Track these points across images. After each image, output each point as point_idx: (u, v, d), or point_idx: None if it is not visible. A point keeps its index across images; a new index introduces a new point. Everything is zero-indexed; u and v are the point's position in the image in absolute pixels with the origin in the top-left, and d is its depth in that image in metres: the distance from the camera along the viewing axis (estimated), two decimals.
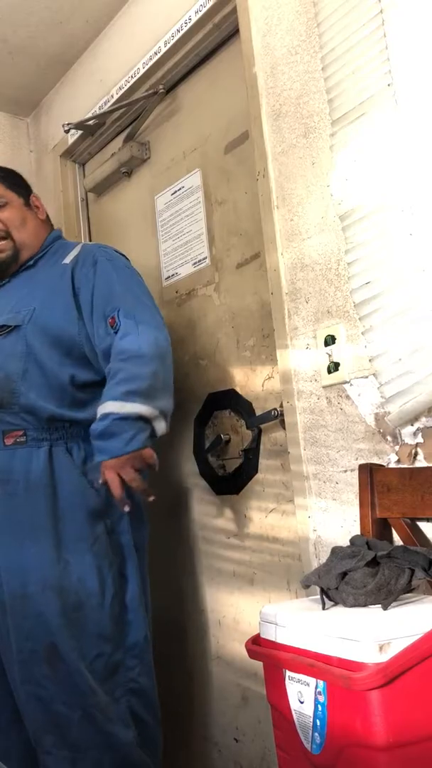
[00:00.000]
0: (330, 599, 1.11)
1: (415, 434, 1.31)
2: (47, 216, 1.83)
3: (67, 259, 1.70)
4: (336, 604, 1.11)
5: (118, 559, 1.57)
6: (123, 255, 1.76)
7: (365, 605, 1.07)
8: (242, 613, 1.79)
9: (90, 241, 2.49)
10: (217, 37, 1.95)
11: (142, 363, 1.50)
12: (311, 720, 1.02)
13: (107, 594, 1.52)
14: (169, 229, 2.13)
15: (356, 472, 1.38)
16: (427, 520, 1.28)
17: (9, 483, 1.56)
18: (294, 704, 1.06)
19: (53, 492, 1.54)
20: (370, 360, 1.36)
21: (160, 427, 1.50)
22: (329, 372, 1.47)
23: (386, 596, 1.06)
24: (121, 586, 1.56)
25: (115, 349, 1.53)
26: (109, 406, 1.47)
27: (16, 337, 1.60)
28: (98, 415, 1.49)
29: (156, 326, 1.58)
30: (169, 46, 2.02)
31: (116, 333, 1.54)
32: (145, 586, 1.64)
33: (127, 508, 1.49)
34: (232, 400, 1.86)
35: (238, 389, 1.85)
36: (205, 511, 1.93)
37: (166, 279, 2.13)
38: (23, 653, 1.49)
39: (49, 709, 1.47)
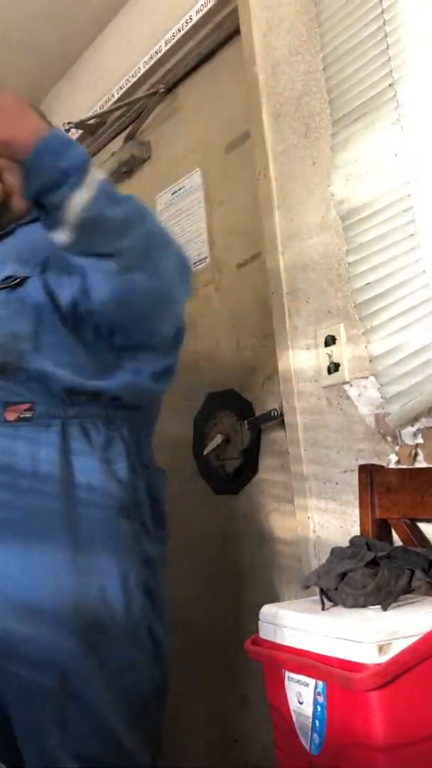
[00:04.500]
0: (329, 600, 1.11)
1: (415, 435, 1.31)
2: None
3: None
4: (335, 604, 1.11)
5: (144, 571, 1.27)
6: None
7: (365, 606, 1.07)
8: (241, 613, 1.79)
9: None
10: (218, 37, 1.95)
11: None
12: (310, 720, 1.02)
13: (134, 611, 1.21)
14: (169, 228, 2.13)
15: (356, 473, 1.38)
16: (427, 521, 1.27)
17: (10, 471, 1.21)
18: (293, 705, 1.06)
19: (68, 483, 1.22)
20: (370, 360, 1.36)
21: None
22: (329, 372, 1.47)
23: (386, 597, 1.06)
24: (147, 606, 1.26)
25: None
26: None
27: (25, 290, 1.27)
28: None
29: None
30: (170, 45, 2.02)
31: None
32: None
33: None
34: (231, 401, 1.85)
35: (238, 389, 1.85)
36: (205, 511, 1.93)
37: None
38: (23, 690, 1.14)
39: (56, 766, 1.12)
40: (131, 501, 1.28)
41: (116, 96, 2.25)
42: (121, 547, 1.23)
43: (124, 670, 1.19)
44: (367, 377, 1.39)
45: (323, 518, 1.48)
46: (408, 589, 1.08)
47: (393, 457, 1.34)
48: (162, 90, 2.10)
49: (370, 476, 1.33)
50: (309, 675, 1.02)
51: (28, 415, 1.24)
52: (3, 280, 1.28)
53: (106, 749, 1.15)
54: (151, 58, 2.09)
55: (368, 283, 1.35)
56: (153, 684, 1.24)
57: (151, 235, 1.16)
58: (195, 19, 1.93)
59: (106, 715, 1.16)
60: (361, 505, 1.34)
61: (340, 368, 1.45)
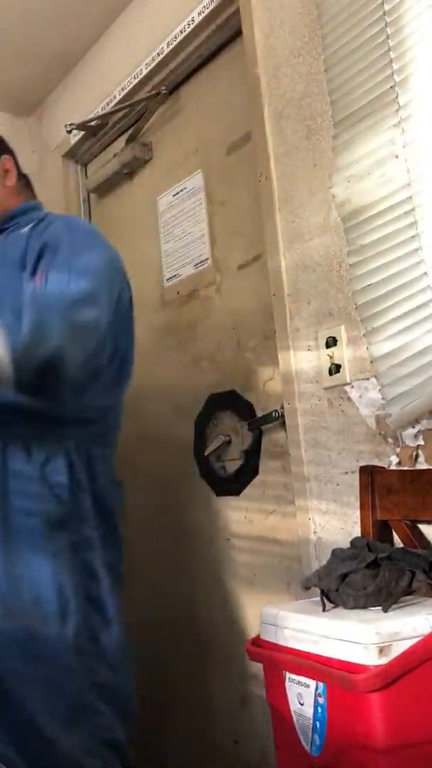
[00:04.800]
0: (330, 601, 1.11)
1: (416, 436, 1.31)
2: (24, 183, 1.57)
3: (27, 228, 1.45)
4: (336, 605, 1.11)
5: (85, 580, 1.30)
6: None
7: (365, 607, 1.07)
8: (242, 614, 1.79)
9: None
10: (220, 39, 1.96)
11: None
12: (311, 722, 1.02)
13: (70, 619, 1.24)
14: (171, 230, 2.13)
15: (357, 474, 1.38)
16: (428, 522, 1.28)
17: None
18: (294, 706, 1.06)
19: (4, 495, 1.27)
20: (371, 362, 1.36)
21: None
22: (330, 374, 1.47)
23: (386, 598, 1.06)
24: (89, 612, 1.29)
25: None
26: None
27: None
28: None
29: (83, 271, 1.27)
30: (172, 47, 2.02)
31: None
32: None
33: None
34: (233, 402, 1.86)
35: (239, 390, 1.85)
36: (206, 513, 1.93)
37: (167, 280, 2.13)
38: None
39: None
40: (72, 514, 1.31)
41: (118, 97, 2.25)
42: (57, 558, 1.27)
43: (59, 674, 1.22)
44: (368, 378, 1.40)
45: (324, 519, 1.48)
46: (409, 591, 1.08)
47: (394, 459, 1.34)
48: (164, 91, 2.10)
49: (371, 477, 1.34)
50: (309, 676, 1.02)
51: None
52: None
53: (40, 749, 1.19)
54: (153, 59, 2.09)
55: (369, 285, 1.35)
56: (98, 687, 1.26)
57: (59, 321, 1.16)
58: (197, 20, 1.94)
59: (38, 716, 1.19)
60: (362, 507, 1.34)
61: (341, 369, 1.45)
